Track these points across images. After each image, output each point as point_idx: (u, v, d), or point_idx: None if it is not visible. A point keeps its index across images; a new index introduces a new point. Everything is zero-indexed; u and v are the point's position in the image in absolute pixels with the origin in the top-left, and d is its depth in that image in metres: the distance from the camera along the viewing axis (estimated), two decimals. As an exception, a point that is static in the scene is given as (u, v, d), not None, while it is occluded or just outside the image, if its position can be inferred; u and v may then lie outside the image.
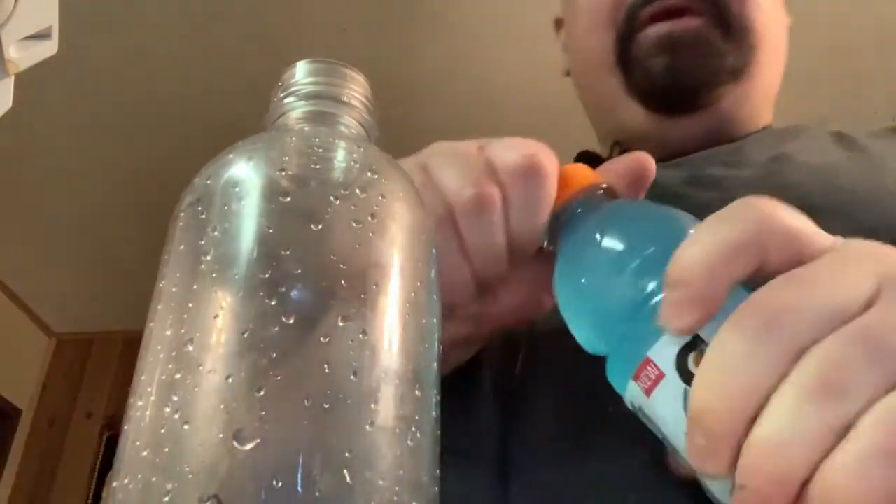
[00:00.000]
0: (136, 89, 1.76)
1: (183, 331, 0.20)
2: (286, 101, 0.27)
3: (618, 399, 0.26)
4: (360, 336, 0.20)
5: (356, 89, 0.27)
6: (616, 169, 0.34)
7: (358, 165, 0.24)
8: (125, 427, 0.20)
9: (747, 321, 0.21)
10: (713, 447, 0.21)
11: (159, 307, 0.21)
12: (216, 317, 0.20)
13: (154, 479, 0.18)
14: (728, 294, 0.22)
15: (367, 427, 0.19)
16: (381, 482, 0.18)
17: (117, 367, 2.53)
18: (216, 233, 0.21)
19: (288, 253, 0.20)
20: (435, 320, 0.23)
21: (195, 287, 0.21)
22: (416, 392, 0.20)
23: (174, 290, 0.21)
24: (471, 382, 0.41)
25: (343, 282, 0.20)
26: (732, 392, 0.20)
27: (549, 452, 0.37)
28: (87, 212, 2.10)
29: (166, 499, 0.17)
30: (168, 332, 0.20)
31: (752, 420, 0.20)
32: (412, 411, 0.20)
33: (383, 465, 0.18)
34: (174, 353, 0.19)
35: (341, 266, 0.21)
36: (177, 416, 0.18)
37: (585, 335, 0.28)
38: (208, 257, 0.21)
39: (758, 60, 0.52)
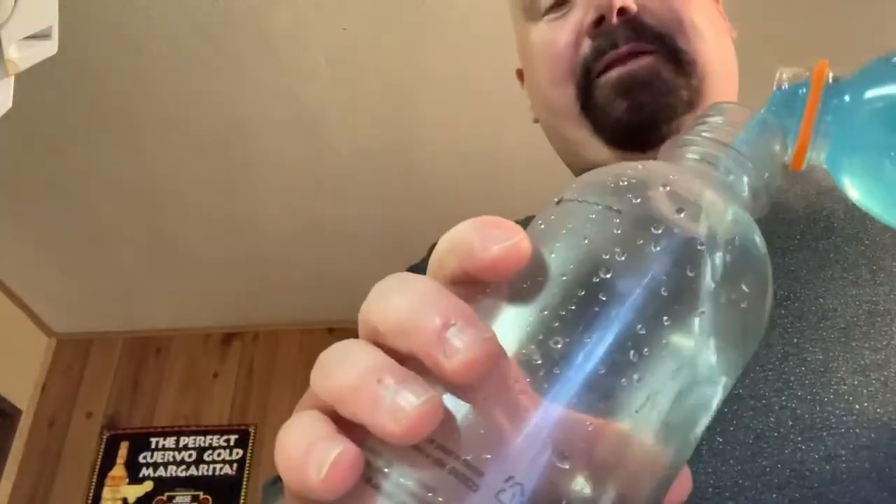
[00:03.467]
0: (135, 89, 1.76)
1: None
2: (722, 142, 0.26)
3: None
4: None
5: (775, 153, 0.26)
6: None
7: (755, 248, 0.24)
8: None
9: None
10: None
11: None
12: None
13: None
14: None
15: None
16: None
17: (117, 368, 2.54)
18: (621, 258, 0.21)
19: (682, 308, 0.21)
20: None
21: (567, 296, 0.21)
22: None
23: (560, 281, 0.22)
24: None
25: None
26: None
27: None
28: (88, 212, 2.10)
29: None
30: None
31: None
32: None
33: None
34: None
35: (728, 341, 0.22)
36: None
37: None
38: (606, 277, 0.21)
39: (710, 87, 0.55)
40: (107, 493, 2.29)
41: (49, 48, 0.35)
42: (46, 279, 2.35)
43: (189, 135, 1.88)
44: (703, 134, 0.26)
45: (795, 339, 0.40)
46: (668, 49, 0.53)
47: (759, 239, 0.23)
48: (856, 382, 0.38)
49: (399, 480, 0.19)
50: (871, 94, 0.27)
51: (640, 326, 0.20)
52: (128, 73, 1.72)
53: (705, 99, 0.55)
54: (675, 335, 0.21)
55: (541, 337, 0.20)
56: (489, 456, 0.19)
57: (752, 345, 0.23)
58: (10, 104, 0.34)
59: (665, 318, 0.21)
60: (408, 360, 0.20)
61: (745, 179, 0.25)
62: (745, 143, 0.25)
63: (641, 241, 0.21)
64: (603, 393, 0.20)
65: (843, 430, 0.36)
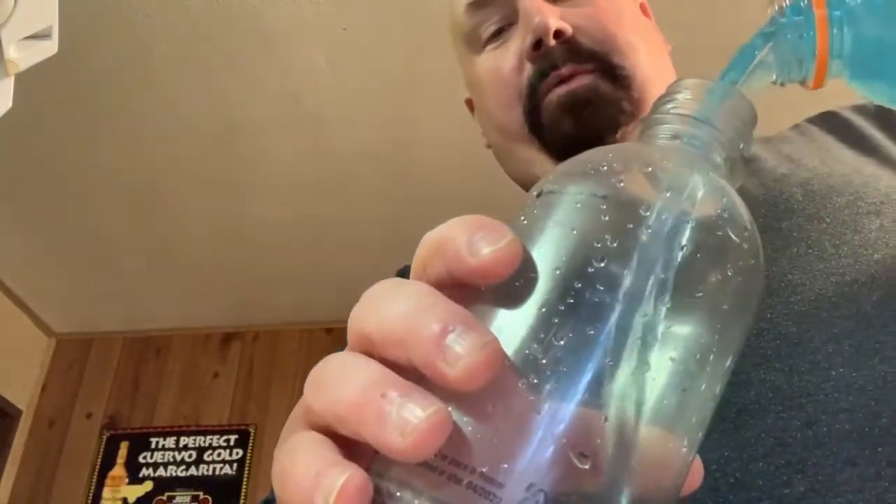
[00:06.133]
0: (135, 89, 1.76)
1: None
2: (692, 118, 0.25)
3: None
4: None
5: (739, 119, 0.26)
6: None
7: (748, 229, 0.23)
8: None
9: None
10: None
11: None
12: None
13: None
14: None
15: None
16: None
17: (117, 368, 2.54)
18: (613, 244, 0.20)
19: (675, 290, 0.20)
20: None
21: (554, 296, 0.20)
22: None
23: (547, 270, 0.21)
24: None
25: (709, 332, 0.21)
26: None
27: None
28: (88, 212, 2.10)
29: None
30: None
31: None
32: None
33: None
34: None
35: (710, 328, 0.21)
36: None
37: None
38: (600, 265, 0.20)
39: (650, 98, 0.57)
40: (107, 493, 2.29)
41: (49, 48, 0.35)
42: (46, 279, 2.35)
43: (189, 135, 1.88)
44: (673, 111, 0.25)
45: (768, 315, 0.42)
46: (606, 66, 0.56)
47: (744, 209, 0.23)
48: (830, 350, 0.39)
49: (413, 502, 0.18)
50: None
51: (641, 312, 0.20)
52: (128, 73, 1.72)
53: (647, 110, 0.56)
54: (678, 318, 0.20)
55: (542, 335, 0.19)
56: (506, 465, 0.18)
57: (751, 318, 0.22)
58: (10, 104, 0.34)
59: (665, 300, 0.20)
60: (406, 371, 0.19)
61: (722, 152, 0.25)
62: (715, 114, 0.25)
63: (631, 225, 0.21)
64: (613, 385, 0.19)
65: (821, 396, 0.38)
